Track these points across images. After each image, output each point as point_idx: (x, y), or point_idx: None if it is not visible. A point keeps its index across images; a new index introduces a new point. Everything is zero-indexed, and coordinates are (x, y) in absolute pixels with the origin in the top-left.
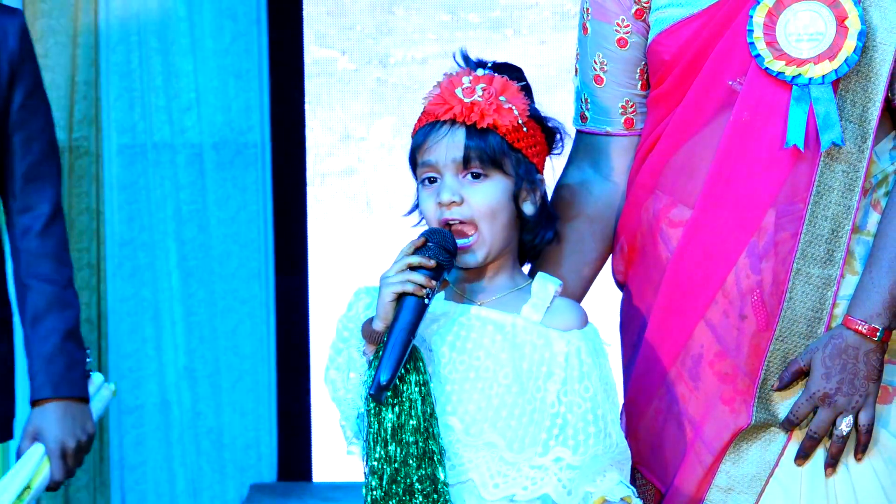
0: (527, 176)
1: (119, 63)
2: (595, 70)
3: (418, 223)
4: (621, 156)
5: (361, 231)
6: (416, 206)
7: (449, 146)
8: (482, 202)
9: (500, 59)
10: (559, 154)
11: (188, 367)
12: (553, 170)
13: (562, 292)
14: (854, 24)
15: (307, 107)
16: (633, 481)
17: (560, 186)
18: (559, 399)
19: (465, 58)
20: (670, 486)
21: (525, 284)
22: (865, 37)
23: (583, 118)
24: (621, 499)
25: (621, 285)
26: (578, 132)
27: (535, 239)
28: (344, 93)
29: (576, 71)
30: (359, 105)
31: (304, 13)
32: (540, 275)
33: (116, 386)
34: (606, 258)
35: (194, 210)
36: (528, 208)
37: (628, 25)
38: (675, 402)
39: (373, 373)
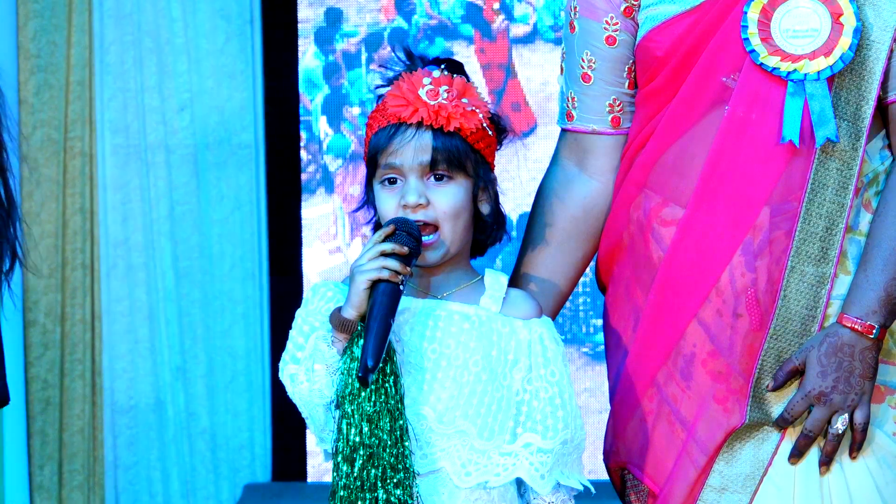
0: (484, 176)
1: (113, 63)
2: (583, 68)
3: (369, 221)
4: (607, 155)
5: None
6: (363, 204)
7: (416, 149)
8: (447, 204)
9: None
10: (499, 150)
11: (182, 367)
12: (543, 172)
13: (553, 290)
14: (849, 21)
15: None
16: (624, 482)
17: (544, 185)
18: (523, 387)
19: (409, 54)
20: (663, 487)
21: (477, 279)
22: (860, 34)
23: (569, 117)
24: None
25: (605, 286)
26: (563, 131)
27: (489, 239)
28: None
29: (561, 70)
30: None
31: (299, 14)
32: (488, 269)
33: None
34: (591, 258)
35: (188, 210)
36: (485, 208)
37: (617, 23)
38: (666, 402)
39: (349, 361)
